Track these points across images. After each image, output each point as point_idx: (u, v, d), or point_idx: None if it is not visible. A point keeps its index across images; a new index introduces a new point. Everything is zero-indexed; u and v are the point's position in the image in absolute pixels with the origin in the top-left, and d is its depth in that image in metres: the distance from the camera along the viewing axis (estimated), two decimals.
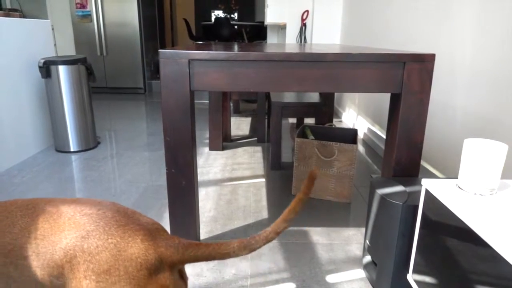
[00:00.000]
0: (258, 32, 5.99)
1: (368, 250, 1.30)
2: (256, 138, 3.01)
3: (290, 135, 3.15)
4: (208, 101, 4.47)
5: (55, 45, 4.96)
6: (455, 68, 1.71)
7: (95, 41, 4.85)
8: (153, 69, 5.46)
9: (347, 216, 1.75)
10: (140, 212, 0.87)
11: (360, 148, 2.80)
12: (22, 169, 2.30)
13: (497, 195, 0.89)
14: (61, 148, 2.60)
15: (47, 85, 2.48)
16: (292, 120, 3.65)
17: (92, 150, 2.67)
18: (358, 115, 3.26)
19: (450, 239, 0.86)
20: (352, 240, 1.55)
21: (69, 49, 5.17)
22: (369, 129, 2.92)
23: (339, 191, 1.87)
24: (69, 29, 4.99)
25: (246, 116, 3.85)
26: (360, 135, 3.12)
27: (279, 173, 2.27)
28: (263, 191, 2.01)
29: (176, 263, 0.66)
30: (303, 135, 2.06)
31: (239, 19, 9.17)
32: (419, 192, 1.15)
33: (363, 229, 1.64)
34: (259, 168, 2.36)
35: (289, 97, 2.48)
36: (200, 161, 2.47)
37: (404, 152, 1.32)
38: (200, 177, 2.19)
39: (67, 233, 0.61)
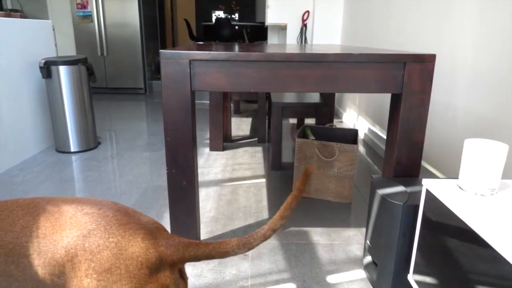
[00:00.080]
0: (259, 33, 5.99)
1: (368, 250, 1.30)
2: (256, 139, 3.01)
3: (290, 135, 3.15)
4: (208, 101, 4.48)
5: (55, 45, 4.96)
6: (456, 68, 1.71)
7: (96, 42, 4.85)
8: (153, 69, 5.46)
9: (348, 217, 1.75)
10: (140, 212, 0.87)
11: (361, 148, 2.80)
12: (22, 169, 2.30)
13: (498, 195, 0.89)
14: (61, 148, 2.61)
15: (48, 85, 2.48)
16: (293, 121, 3.65)
17: (92, 151, 2.67)
18: (358, 115, 3.26)
19: (450, 240, 0.86)
20: (353, 240, 1.55)
21: (69, 50, 5.17)
22: (369, 130, 2.92)
23: (339, 192, 1.87)
24: (70, 29, 5.00)
25: (247, 116, 3.85)
26: (361, 135, 3.12)
27: (279, 174, 2.27)
28: (264, 192, 2.01)
29: (176, 262, 0.66)
30: (303, 135, 2.06)
31: (240, 19, 9.17)
32: (419, 192, 1.15)
33: (364, 230, 1.64)
34: (260, 168, 2.36)
35: (289, 97, 2.48)
36: (201, 161, 2.47)
37: (405, 153, 1.32)
38: (201, 177, 2.19)
39: (68, 232, 0.62)
